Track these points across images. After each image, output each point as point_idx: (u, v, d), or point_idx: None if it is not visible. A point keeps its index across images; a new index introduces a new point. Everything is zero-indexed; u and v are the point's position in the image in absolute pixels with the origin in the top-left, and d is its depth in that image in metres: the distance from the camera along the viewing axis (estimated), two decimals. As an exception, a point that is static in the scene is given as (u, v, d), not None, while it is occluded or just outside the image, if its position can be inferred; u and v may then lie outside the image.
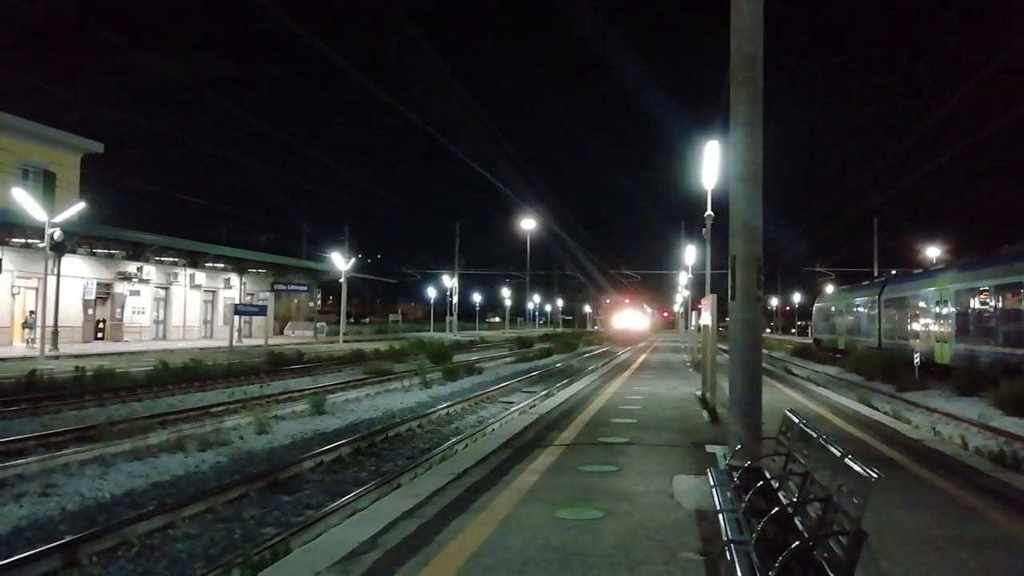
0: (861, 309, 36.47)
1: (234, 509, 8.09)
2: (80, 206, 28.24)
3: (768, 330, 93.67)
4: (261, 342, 38.64)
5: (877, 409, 14.74)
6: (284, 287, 46.79)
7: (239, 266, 43.64)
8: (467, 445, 10.95)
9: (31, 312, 29.92)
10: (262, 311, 42.30)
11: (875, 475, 3.12)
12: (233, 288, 44.31)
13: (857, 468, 3.29)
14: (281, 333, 50.39)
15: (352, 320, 70.59)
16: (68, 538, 6.49)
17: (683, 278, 52.00)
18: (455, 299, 67.14)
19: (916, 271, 35.99)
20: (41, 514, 7.65)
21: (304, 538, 6.51)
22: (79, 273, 32.75)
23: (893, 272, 43.95)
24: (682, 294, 59.35)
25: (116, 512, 7.80)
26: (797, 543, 3.42)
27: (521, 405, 17.20)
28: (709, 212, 15.75)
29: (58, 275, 27.07)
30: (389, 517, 5.70)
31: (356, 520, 5.85)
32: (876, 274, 47.49)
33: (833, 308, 43.71)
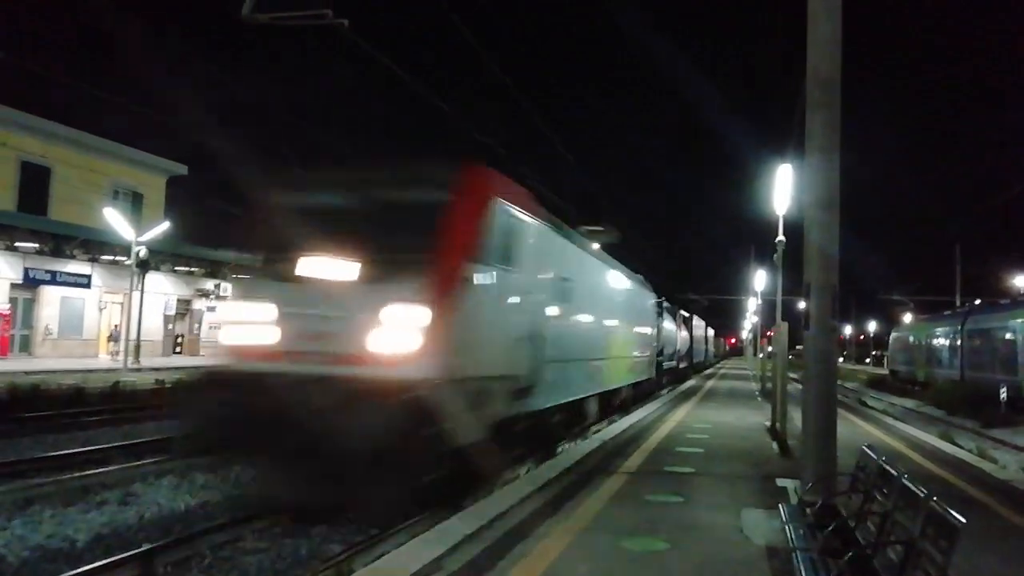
0: (942, 340, 34.88)
1: (301, 525, 8.24)
2: (165, 225, 29.60)
3: (841, 359, 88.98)
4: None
5: (960, 446, 14.02)
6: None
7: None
8: (528, 470, 10.88)
9: (116, 326, 31.41)
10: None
11: (962, 520, 2.97)
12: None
13: (943, 512, 3.13)
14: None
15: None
16: (145, 547, 6.73)
17: (752, 304, 50.85)
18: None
19: (1003, 301, 34.22)
20: (120, 522, 7.96)
21: (367, 558, 6.58)
22: (161, 289, 34.23)
23: (977, 301, 41.94)
24: (750, 320, 57.97)
25: (191, 523, 8.05)
26: (877, 588, 3.26)
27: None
28: (781, 237, 15.40)
29: (142, 291, 28.36)
30: (452, 540, 5.71)
31: (420, 541, 5.88)
32: (959, 303, 45.37)
33: (912, 338, 41.95)
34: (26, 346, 28.87)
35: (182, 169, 40.41)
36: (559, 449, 12.36)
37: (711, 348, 66.28)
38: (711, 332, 67.50)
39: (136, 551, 6.55)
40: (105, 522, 7.91)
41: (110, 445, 11.95)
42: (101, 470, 10.20)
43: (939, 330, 35.96)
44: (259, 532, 7.72)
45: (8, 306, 27.43)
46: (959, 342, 31.51)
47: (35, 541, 7.16)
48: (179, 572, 6.58)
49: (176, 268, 34.88)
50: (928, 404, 27.97)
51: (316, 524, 8.31)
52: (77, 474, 9.88)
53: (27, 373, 21.29)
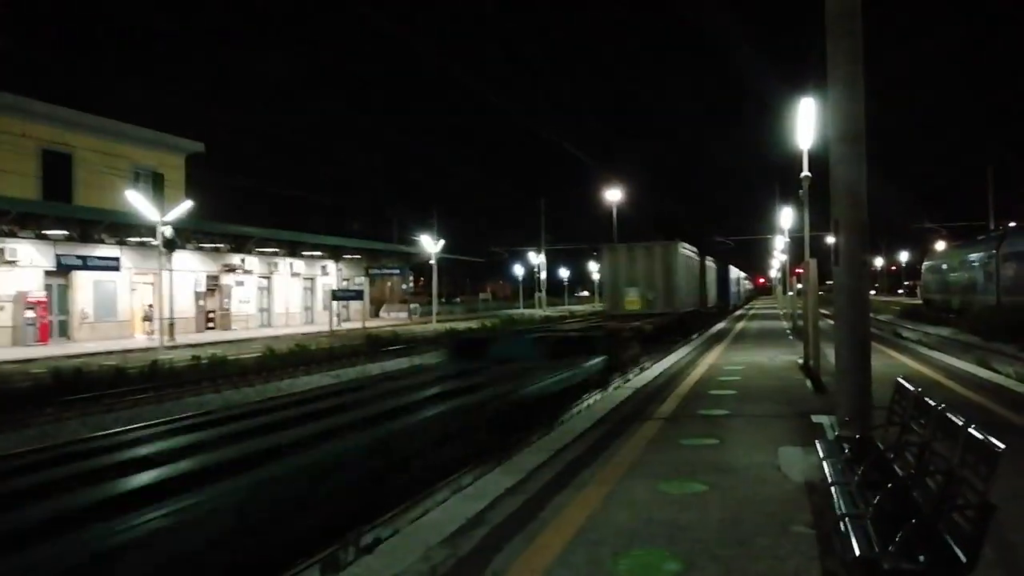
0: (977, 265, 34.22)
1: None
2: (187, 204, 29.86)
3: (872, 291, 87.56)
4: (359, 325, 39.96)
5: (998, 372, 13.87)
6: (378, 271, 48.13)
7: (335, 253, 45.12)
8: (563, 421, 11.01)
9: (149, 305, 32.00)
10: (358, 296, 43.68)
11: (1002, 446, 2.96)
12: (330, 275, 45.91)
13: (982, 438, 3.12)
14: (377, 315, 51.95)
15: (443, 300, 71.95)
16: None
17: (779, 242, 50.18)
18: (543, 275, 67.25)
19: (1038, 222, 33.42)
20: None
21: (411, 514, 6.75)
22: (189, 267, 34.70)
23: (1011, 225, 40.98)
24: (778, 259, 57.30)
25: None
26: (918, 517, 3.29)
27: (616, 381, 17.12)
28: (806, 173, 15.11)
29: (171, 270, 28.79)
30: (493, 494, 5.83)
31: (462, 497, 6.01)
32: (992, 227, 44.37)
33: (945, 266, 41.22)
34: (64, 331, 29.56)
35: (199, 147, 40.56)
36: (594, 398, 12.46)
37: (741, 290, 69.78)
38: (741, 274, 70.38)
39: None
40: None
41: (154, 422, 12.27)
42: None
43: (973, 255, 35.26)
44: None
45: (44, 293, 28.02)
46: (994, 266, 30.91)
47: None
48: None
49: (202, 245, 35.28)
50: (964, 331, 27.63)
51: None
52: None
53: (68, 357, 21.87)
